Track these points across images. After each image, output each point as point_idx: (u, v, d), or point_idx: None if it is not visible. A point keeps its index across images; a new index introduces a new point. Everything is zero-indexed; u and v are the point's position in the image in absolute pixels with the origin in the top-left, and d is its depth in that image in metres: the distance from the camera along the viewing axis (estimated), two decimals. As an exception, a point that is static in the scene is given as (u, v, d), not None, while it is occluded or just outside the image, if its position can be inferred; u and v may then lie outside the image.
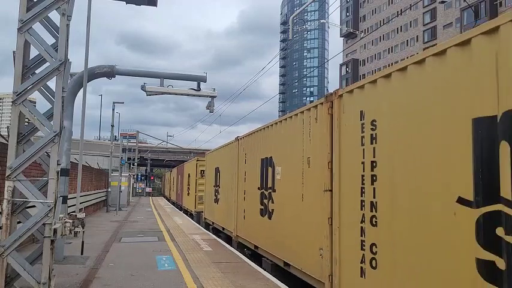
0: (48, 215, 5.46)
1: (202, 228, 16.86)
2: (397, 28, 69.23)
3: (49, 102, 6.11)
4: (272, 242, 8.91)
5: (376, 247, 5.10)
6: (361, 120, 5.52)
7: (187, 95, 14.78)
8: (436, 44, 54.25)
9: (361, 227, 5.38)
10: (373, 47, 75.20)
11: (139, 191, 65.80)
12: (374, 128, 5.21)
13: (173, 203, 38.34)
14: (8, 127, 6.16)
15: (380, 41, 73.61)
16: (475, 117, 3.67)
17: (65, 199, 9.02)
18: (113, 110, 28.01)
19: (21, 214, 5.88)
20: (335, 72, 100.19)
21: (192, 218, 21.99)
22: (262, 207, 9.72)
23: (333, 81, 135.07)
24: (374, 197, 5.14)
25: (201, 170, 21.30)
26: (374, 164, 5.18)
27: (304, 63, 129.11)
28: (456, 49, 3.90)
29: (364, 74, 76.08)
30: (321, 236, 6.40)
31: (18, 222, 5.95)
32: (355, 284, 5.50)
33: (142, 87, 14.15)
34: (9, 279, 5.65)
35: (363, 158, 5.40)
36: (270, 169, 9.32)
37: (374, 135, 5.20)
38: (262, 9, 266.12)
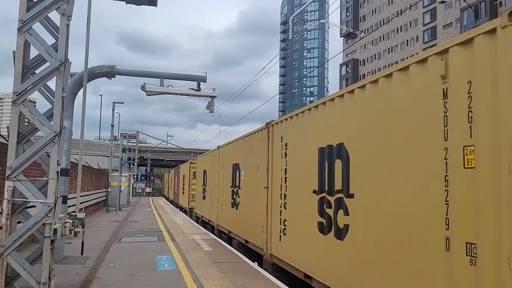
0: (48, 215, 5.46)
1: (202, 228, 16.89)
2: (397, 28, 69.21)
3: (49, 102, 6.11)
4: (238, 226, 12.15)
5: (286, 222, 8.29)
6: (281, 142, 8.75)
7: (187, 95, 14.77)
8: (436, 44, 54.36)
9: (280, 210, 8.58)
10: (373, 47, 75.19)
11: (139, 191, 65.76)
12: (286, 148, 8.46)
13: (171, 202, 40.44)
14: (8, 127, 6.16)
15: (380, 41, 73.59)
16: (319, 147, 6.79)
17: (65, 199, 9.02)
18: (113, 110, 28.01)
19: (21, 214, 5.88)
20: (335, 72, 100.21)
21: (186, 214, 24.95)
22: (233, 201, 12.80)
23: (333, 81, 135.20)
24: (285, 191, 8.37)
25: (194, 172, 24.02)
26: (286, 170, 8.41)
27: (304, 63, 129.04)
28: (310, 111, 7.26)
29: (364, 74, 76.08)
30: (263, 218, 9.50)
31: (18, 222, 5.95)
32: (276, 246, 8.79)
33: (142, 87, 14.14)
34: (9, 279, 5.65)
35: (281, 166, 8.62)
36: (237, 172, 12.39)
37: (286, 153, 8.47)
38: (262, 9, 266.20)
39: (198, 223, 19.26)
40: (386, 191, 4.86)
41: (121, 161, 33.48)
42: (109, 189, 26.25)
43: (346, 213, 5.81)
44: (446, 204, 3.90)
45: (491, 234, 3.44)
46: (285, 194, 8.35)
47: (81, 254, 8.41)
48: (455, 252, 3.78)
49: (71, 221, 6.00)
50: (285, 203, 8.31)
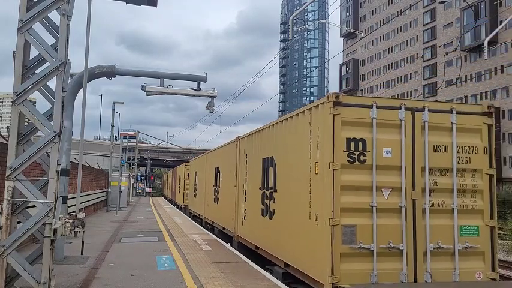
0: (48, 215, 5.46)
1: (203, 228, 16.91)
2: (397, 28, 69.15)
3: (49, 102, 6.11)
4: (218, 217, 15.40)
5: (246, 211, 11.11)
6: (244, 153, 11.59)
7: (187, 95, 14.73)
8: (436, 43, 53.89)
9: (243, 202, 11.37)
10: (373, 47, 75.14)
11: (139, 191, 65.72)
12: (247, 157, 11.24)
13: (169, 200, 43.68)
14: (8, 127, 6.16)
15: (380, 41, 73.53)
16: (262, 157, 9.62)
17: (65, 199, 9.01)
18: (113, 110, 27.99)
19: (21, 214, 5.88)
20: (335, 72, 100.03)
21: (181, 210, 28.26)
22: (215, 197, 16.05)
23: (333, 81, 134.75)
24: (246, 188, 11.12)
25: (187, 173, 27.16)
26: (247, 173, 11.20)
27: (304, 63, 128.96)
28: (259, 132, 10.26)
29: (364, 74, 76.03)
30: (232, 210, 12.46)
31: (18, 222, 5.95)
32: (240, 229, 11.70)
33: (143, 87, 14.11)
34: (9, 279, 5.65)
35: (245, 170, 11.42)
36: (218, 174, 15.64)
37: (247, 160, 11.24)
38: (261, 10, 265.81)
39: (190, 217, 22.44)
40: (289, 187, 7.89)
41: (121, 161, 33.45)
42: (109, 189, 26.24)
43: (274, 201, 8.79)
44: (310, 194, 6.87)
45: (321, 207, 6.44)
46: (245, 191, 11.28)
47: (81, 254, 8.42)
48: (311, 219, 6.74)
49: (71, 221, 6.00)
50: (245, 197, 11.23)
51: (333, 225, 6.13)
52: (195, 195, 22.28)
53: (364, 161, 6.39)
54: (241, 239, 11.55)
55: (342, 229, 6.16)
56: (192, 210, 23.46)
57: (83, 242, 7.86)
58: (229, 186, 13.25)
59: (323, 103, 6.50)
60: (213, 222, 16.38)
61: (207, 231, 15.82)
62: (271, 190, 8.95)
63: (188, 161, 29.35)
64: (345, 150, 6.32)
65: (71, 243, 11.18)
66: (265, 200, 9.33)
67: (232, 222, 12.65)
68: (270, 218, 8.98)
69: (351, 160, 6.34)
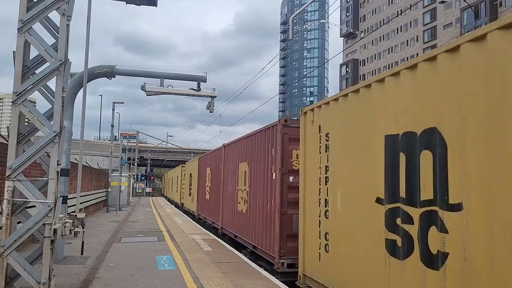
0: (48, 215, 5.45)
1: (203, 229, 16.91)
2: (397, 28, 69.15)
3: (49, 102, 6.11)
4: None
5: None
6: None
7: (187, 95, 14.73)
8: (436, 44, 53.67)
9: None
10: (373, 47, 75.13)
11: (140, 191, 65.72)
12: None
13: (162, 195, 55.78)
14: (8, 127, 6.16)
15: (380, 41, 73.52)
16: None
17: (65, 199, 9.01)
18: (113, 110, 27.97)
19: (21, 214, 5.88)
20: (335, 72, 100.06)
21: (164, 197, 40.34)
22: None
23: (332, 81, 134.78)
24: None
25: (170, 177, 41.17)
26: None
27: (304, 63, 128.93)
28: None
29: (364, 74, 76.01)
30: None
31: (18, 222, 5.94)
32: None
33: (143, 87, 14.11)
34: (9, 279, 5.65)
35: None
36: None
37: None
38: (257, 11, 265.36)
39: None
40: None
41: (121, 161, 33.42)
42: (109, 189, 26.23)
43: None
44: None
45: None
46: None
47: (81, 254, 8.40)
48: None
49: (71, 221, 6.00)
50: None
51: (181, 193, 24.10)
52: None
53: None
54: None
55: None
56: (164, 194, 43.86)
57: (83, 242, 7.85)
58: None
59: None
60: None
61: (207, 231, 15.82)
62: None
63: (165, 172, 45.20)
64: None
65: (71, 243, 11.18)
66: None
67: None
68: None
69: None
